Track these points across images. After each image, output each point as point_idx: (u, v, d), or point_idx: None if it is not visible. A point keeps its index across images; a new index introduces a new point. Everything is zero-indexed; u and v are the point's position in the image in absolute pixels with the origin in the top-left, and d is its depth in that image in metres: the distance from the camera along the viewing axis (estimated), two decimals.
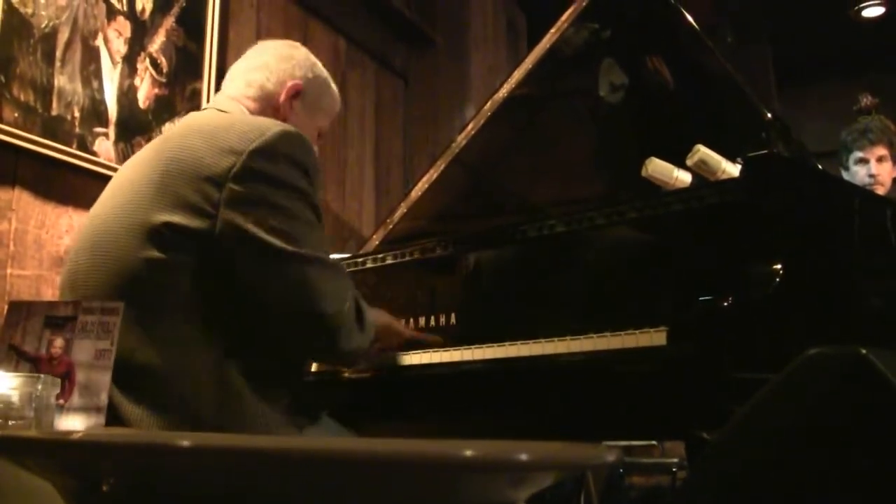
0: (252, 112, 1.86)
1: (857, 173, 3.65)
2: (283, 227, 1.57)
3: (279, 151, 1.61)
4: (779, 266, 1.64)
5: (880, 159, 3.63)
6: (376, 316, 1.93)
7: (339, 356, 1.71)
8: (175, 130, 1.80)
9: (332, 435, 1.73)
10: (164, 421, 1.52)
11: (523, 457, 0.61)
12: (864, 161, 3.65)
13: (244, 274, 1.58)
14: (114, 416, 1.46)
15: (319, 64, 2.00)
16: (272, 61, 1.91)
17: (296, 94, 1.89)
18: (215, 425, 1.53)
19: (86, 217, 1.79)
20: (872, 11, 5.85)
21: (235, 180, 1.56)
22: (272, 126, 1.65)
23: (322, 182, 1.69)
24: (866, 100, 3.86)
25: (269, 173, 1.59)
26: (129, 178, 1.70)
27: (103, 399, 1.33)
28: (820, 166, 2.11)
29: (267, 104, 1.88)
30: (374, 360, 2.08)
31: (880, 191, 3.60)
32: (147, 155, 1.73)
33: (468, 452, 0.61)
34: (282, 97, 1.88)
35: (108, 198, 1.74)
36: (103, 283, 1.60)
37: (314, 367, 2.23)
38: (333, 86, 2.02)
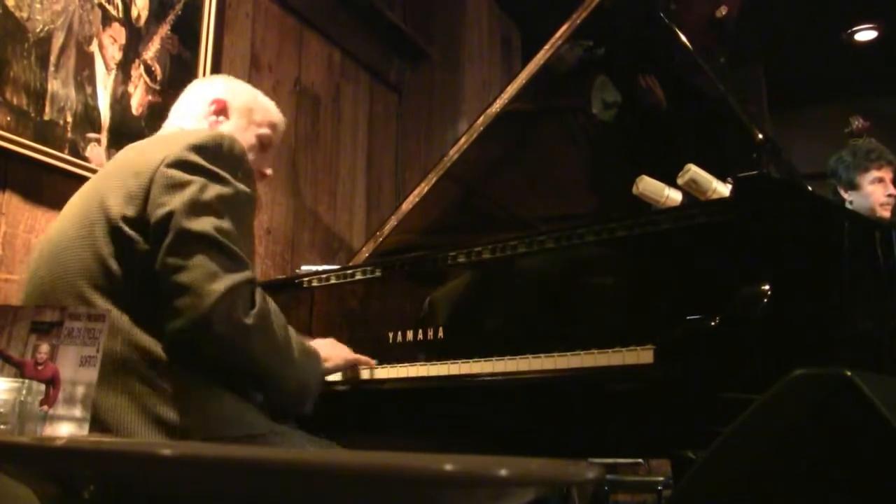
0: None
1: (874, 193, 3.60)
2: (194, 209, 1.63)
3: (209, 147, 1.71)
4: (767, 287, 1.64)
5: (893, 180, 3.62)
6: (321, 343, 2.01)
7: (214, 338, 1.61)
8: (122, 151, 1.94)
9: (298, 442, 1.74)
10: (131, 409, 1.58)
11: (503, 472, 0.61)
12: (881, 181, 3.61)
13: (160, 252, 1.63)
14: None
15: (245, 83, 2.12)
16: (194, 90, 2.07)
17: (221, 109, 2.01)
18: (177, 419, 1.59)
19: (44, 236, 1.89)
20: (865, 35, 5.88)
21: (165, 166, 1.67)
22: (208, 130, 1.85)
23: (253, 184, 1.81)
24: (858, 123, 3.86)
25: (196, 163, 1.68)
26: (80, 195, 1.84)
27: (87, 406, 1.33)
28: (810, 188, 2.11)
29: (196, 124, 1.99)
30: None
31: (888, 212, 3.59)
32: (97, 175, 1.91)
33: (448, 467, 0.61)
34: (208, 114, 1.99)
35: (62, 216, 1.84)
36: (70, 285, 1.66)
37: None
38: (263, 97, 2.11)
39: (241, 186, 1.73)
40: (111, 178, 1.74)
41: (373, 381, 2.11)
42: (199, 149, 1.70)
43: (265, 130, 2.06)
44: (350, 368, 2.14)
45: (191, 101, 2.03)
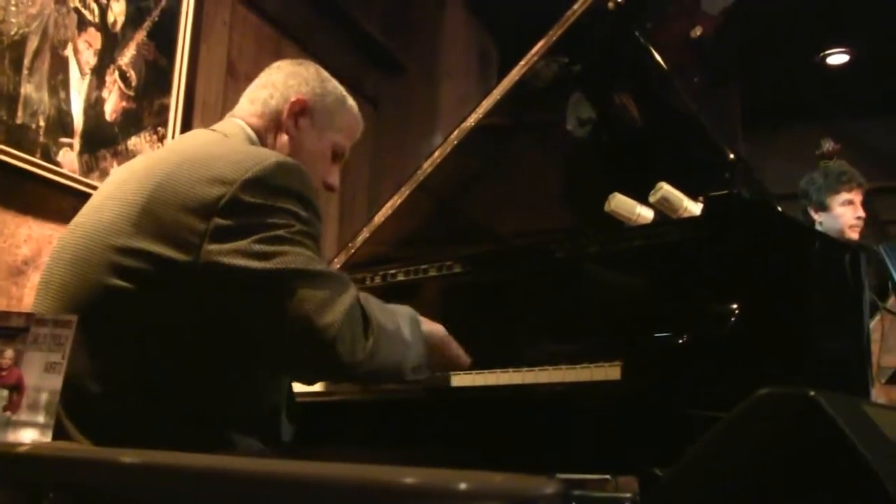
0: (256, 130, 1.81)
1: (844, 215, 3.66)
2: (265, 249, 1.48)
3: (271, 183, 1.54)
4: (735, 305, 1.65)
5: (862, 203, 3.68)
6: (432, 331, 1.83)
7: (345, 369, 1.53)
8: (170, 153, 1.69)
9: None
10: None
11: (462, 486, 0.60)
12: (851, 203, 3.67)
13: (231, 306, 1.51)
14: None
15: (333, 81, 1.94)
16: (279, 78, 1.87)
17: (301, 110, 1.83)
18: None
19: (50, 226, 1.77)
20: (837, 59, 5.98)
21: (222, 213, 1.49)
22: (268, 157, 1.60)
23: (319, 212, 1.63)
24: (829, 145, 3.91)
25: (257, 204, 1.51)
26: (116, 194, 1.63)
27: (51, 412, 1.31)
28: (780, 208, 2.13)
29: (270, 122, 1.83)
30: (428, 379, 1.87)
31: (857, 234, 3.64)
32: (138, 174, 1.64)
33: (408, 480, 0.60)
34: (285, 114, 1.82)
35: (93, 209, 1.66)
36: (70, 302, 1.55)
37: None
38: (351, 103, 1.96)
39: (306, 215, 1.57)
40: (144, 199, 1.55)
41: (336, 392, 2.10)
42: (254, 184, 1.52)
43: (340, 139, 1.92)
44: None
45: (273, 88, 1.85)
